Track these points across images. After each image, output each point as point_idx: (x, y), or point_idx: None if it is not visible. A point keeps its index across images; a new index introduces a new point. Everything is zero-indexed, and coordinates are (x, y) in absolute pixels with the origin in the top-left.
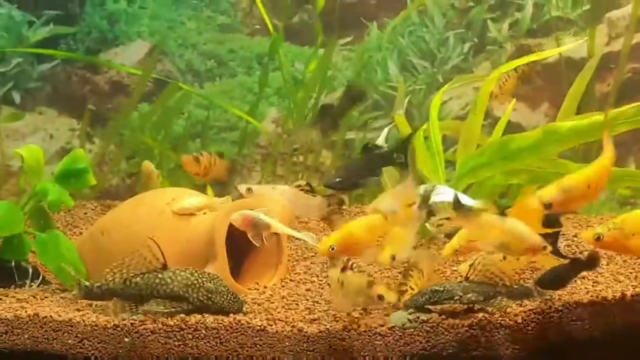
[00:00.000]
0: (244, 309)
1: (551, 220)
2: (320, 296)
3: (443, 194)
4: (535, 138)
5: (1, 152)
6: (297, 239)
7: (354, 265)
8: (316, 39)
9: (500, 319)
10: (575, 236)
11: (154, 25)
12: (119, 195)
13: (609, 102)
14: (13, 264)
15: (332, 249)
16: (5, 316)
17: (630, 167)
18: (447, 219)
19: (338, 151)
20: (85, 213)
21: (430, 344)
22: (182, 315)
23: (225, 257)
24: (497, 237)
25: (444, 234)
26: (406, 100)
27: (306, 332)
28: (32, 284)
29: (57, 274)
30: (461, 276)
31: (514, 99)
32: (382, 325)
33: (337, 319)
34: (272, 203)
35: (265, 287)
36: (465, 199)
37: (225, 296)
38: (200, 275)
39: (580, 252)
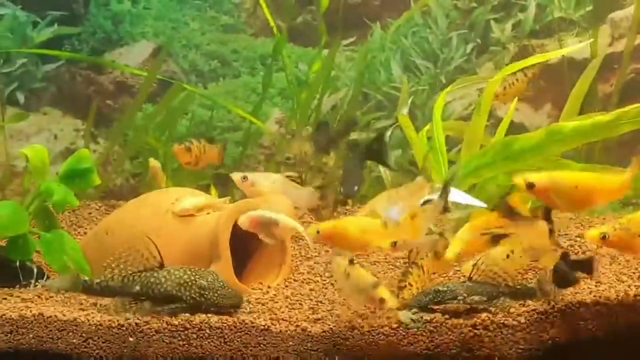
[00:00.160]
0: (249, 307)
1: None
2: (324, 296)
3: (452, 195)
4: (538, 138)
5: (6, 152)
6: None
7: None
8: (320, 40)
9: (503, 319)
10: (579, 237)
11: (158, 26)
12: (123, 195)
13: (611, 103)
14: (18, 263)
15: (317, 232)
16: (10, 316)
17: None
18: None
19: (341, 152)
20: (90, 213)
21: (433, 343)
22: (187, 314)
23: (229, 258)
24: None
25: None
26: (410, 100)
27: (310, 331)
28: (37, 283)
29: (61, 274)
30: (464, 276)
31: (516, 99)
32: (385, 325)
33: (340, 315)
34: (275, 200)
35: (269, 286)
36: (470, 200)
37: (219, 292)
38: (194, 273)
39: (583, 252)
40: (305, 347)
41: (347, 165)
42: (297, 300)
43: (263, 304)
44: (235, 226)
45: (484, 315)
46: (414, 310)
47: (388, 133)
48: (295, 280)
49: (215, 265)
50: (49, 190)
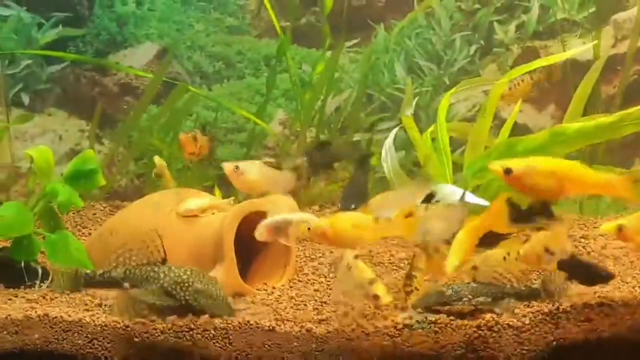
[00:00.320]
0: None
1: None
2: (329, 297)
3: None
4: (542, 140)
5: (11, 153)
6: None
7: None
8: (324, 41)
9: (508, 320)
10: (583, 238)
11: (163, 28)
12: (128, 196)
13: (614, 104)
14: (23, 264)
15: (308, 229)
16: (16, 316)
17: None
18: None
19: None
20: (94, 214)
21: (438, 344)
22: (193, 316)
23: (233, 259)
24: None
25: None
26: (414, 102)
27: (315, 332)
28: (42, 284)
29: (54, 273)
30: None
31: (520, 101)
32: (390, 326)
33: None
34: (278, 199)
35: (273, 287)
36: (475, 199)
37: (213, 300)
38: (193, 275)
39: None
40: (310, 348)
41: (352, 180)
42: (302, 301)
43: (268, 305)
44: (240, 227)
45: (488, 316)
46: (419, 311)
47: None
48: (299, 281)
49: (220, 266)
50: (53, 191)
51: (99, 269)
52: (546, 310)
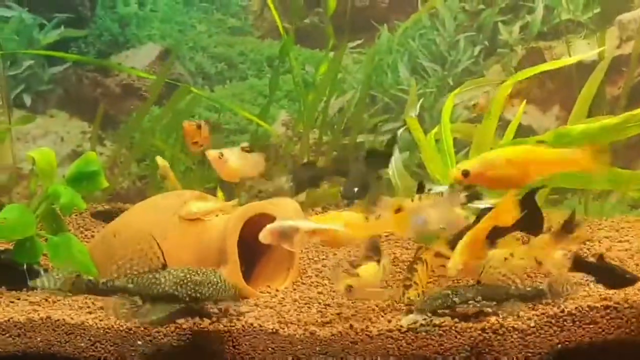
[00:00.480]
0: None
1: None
2: (332, 299)
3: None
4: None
5: (12, 154)
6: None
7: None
8: (327, 42)
9: (512, 322)
10: (588, 240)
11: (165, 29)
12: (130, 198)
13: (619, 105)
14: (25, 266)
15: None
16: (18, 319)
17: None
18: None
19: (349, 154)
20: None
21: (443, 347)
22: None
23: (237, 261)
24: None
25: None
26: (419, 103)
27: (318, 335)
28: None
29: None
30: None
31: (524, 101)
32: (395, 329)
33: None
34: (282, 202)
35: (277, 290)
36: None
37: (215, 287)
38: (190, 271)
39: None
40: (314, 351)
41: (354, 168)
42: (306, 304)
43: (271, 307)
44: (243, 230)
45: (493, 318)
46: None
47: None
48: (303, 284)
49: (223, 268)
50: (56, 193)
51: (101, 277)
52: (551, 312)
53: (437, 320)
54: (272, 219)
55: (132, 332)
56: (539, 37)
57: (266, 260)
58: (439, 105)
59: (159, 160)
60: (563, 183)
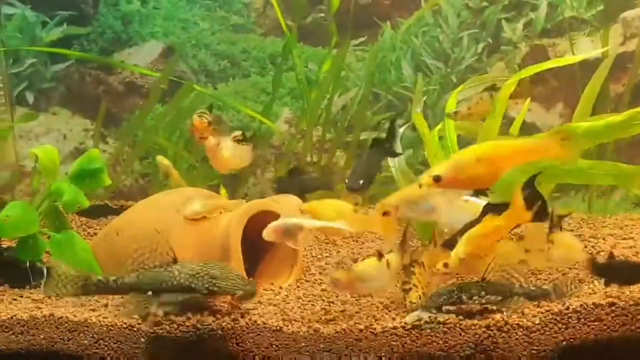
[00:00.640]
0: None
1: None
2: (336, 296)
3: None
4: None
5: (15, 152)
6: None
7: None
8: (330, 40)
9: (517, 320)
10: (592, 237)
11: (168, 26)
12: (132, 195)
13: (623, 103)
14: (28, 264)
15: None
16: (21, 317)
17: None
18: None
19: (352, 151)
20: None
21: (447, 344)
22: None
23: (240, 259)
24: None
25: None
26: (423, 99)
27: (322, 332)
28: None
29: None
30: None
31: (528, 99)
32: (399, 326)
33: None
34: (284, 200)
35: (280, 287)
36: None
37: (233, 281)
38: (206, 265)
39: (598, 253)
40: (318, 348)
41: (359, 160)
42: (309, 301)
43: (275, 305)
44: (247, 227)
45: (498, 316)
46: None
47: (400, 132)
48: (307, 281)
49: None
50: (59, 191)
51: (109, 275)
52: (556, 310)
53: (441, 318)
54: (275, 216)
55: (135, 329)
56: (543, 34)
57: (270, 257)
58: (442, 102)
59: (159, 159)
60: (567, 179)
